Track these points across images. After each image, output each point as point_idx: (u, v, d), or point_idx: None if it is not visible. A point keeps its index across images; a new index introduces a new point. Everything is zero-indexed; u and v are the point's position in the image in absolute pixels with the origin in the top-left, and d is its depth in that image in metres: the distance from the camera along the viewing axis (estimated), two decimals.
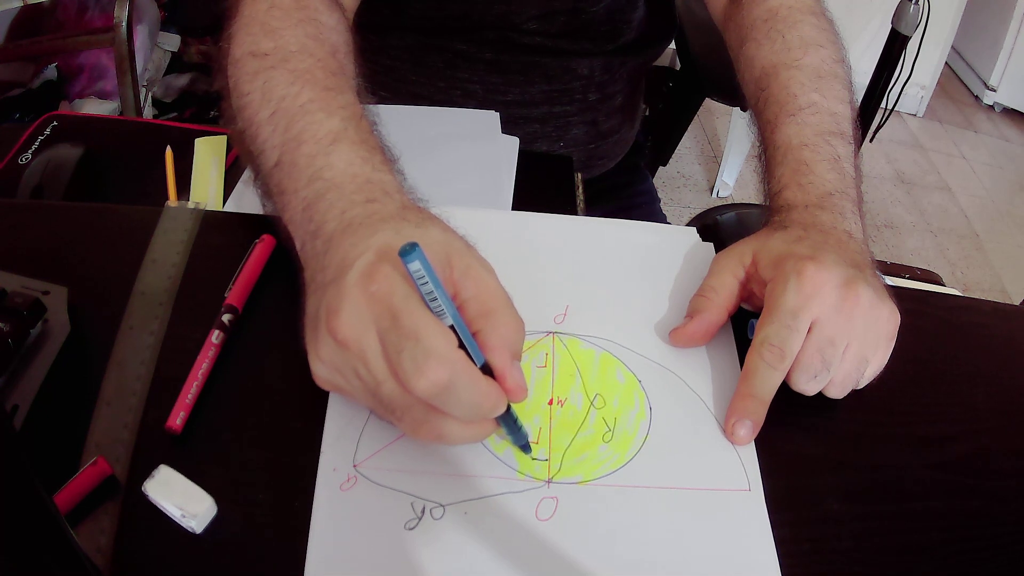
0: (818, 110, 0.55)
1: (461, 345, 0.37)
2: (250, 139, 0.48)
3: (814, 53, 0.58)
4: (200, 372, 0.44)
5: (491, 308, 0.39)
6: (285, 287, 0.50)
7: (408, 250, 0.34)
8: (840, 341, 0.44)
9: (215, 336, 0.45)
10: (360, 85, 0.51)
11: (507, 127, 0.75)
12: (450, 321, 0.36)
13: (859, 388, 0.47)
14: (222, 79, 0.52)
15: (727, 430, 0.45)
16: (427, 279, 0.35)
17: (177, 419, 0.42)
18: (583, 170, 0.79)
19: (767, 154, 0.56)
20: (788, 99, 0.56)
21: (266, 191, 0.47)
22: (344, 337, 0.36)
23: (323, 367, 0.39)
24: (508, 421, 0.40)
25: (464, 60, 0.76)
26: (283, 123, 0.45)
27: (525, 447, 0.42)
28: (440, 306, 0.36)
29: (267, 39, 0.49)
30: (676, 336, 0.48)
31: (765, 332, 0.44)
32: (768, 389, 0.44)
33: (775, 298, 0.45)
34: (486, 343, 0.38)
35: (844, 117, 0.55)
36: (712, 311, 0.48)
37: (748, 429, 0.44)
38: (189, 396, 0.42)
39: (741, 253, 0.49)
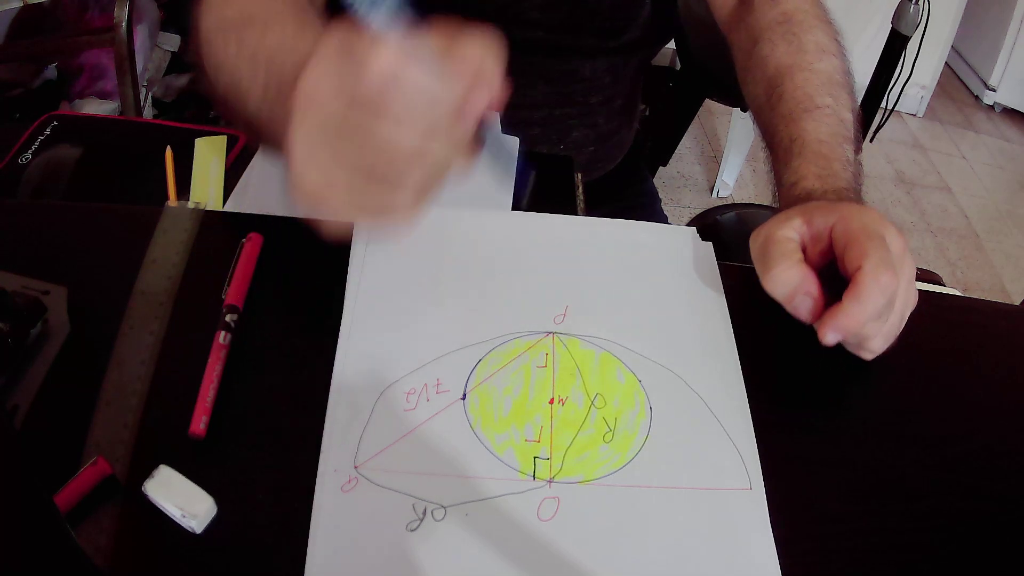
0: (832, 113, 0.55)
1: None
2: (234, 91, 0.46)
3: (827, 60, 0.59)
4: (215, 374, 0.43)
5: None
6: (280, 286, 0.50)
7: None
8: (898, 300, 0.46)
9: (222, 337, 0.45)
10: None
11: (508, 130, 0.75)
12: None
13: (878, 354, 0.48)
14: (198, 53, 0.50)
15: (820, 335, 0.44)
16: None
17: (200, 424, 0.41)
18: (584, 173, 0.79)
19: (782, 145, 0.56)
20: (804, 98, 0.56)
21: (257, 124, 0.45)
22: (309, 94, 0.34)
23: (305, 157, 0.35)
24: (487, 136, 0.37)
25: None
26: (263, 60, 0.44)
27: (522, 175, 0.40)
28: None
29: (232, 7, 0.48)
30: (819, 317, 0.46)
31: (875, 260, 0.44)
32: (874, 309, 0.44)
33: (875, 246, 0.44)
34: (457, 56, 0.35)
35: (851, 125, 0.56)
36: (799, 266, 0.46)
37: (838, 338, 0.44)
38: (208, 400, 0.42)
39: (791, 219, 0.48)
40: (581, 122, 0.82)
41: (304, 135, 0.35)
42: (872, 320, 0.45)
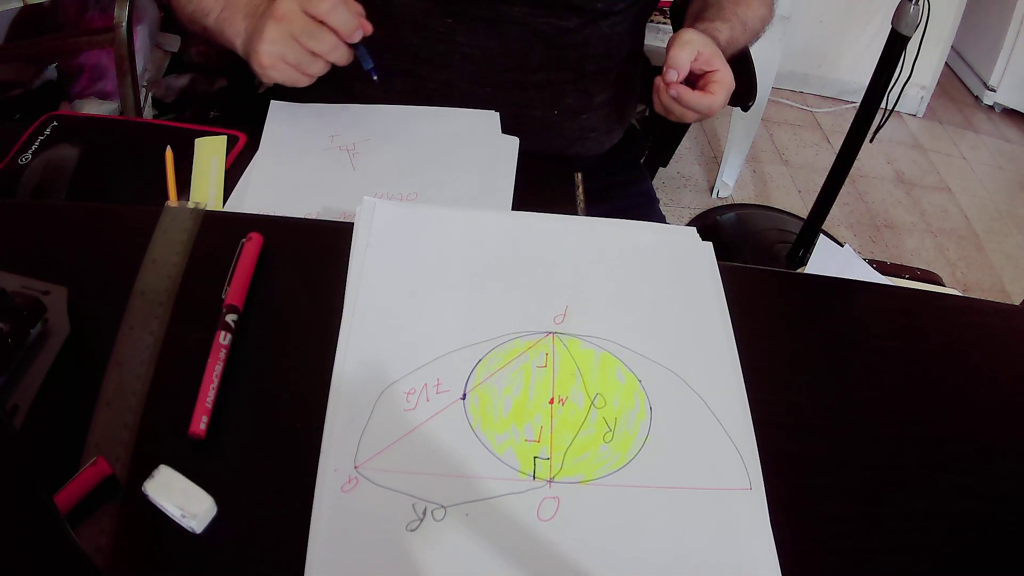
0: (739, 28, 0.82)
1: None
2: (201, 12, 0.70)
3: (757, 16, 0.86)
4: (215, 375, 0.43)
5: None
6: (280, 286, 0.50)
7: None
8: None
9: (223, 337, 0.45)
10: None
11: (505, 92, 0.77)
12: None
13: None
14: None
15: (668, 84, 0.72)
16: None
17: (200, 424, 0.41)
18: (576, 143, 0.85)
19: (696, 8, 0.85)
20: (730, 8, 0.83)
21: (213, 30, 0.69)
22: (282, 12, 0.61)
23: (268, 45, 0.62)
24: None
25: (462, 23, 0.77)
26: None
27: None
28: None
29: None
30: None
31: (725, 85, 0.73)
32: (708, 105, 0.73)
33: (725, 76, 0.73)
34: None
35: (737, 44, 0.83)
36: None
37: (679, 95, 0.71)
38: (208, 400, 0.42)
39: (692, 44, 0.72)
40: (576, 87, 0.83)
41: (273, 34, 0.62)
42: (697, 112, 0.73)
